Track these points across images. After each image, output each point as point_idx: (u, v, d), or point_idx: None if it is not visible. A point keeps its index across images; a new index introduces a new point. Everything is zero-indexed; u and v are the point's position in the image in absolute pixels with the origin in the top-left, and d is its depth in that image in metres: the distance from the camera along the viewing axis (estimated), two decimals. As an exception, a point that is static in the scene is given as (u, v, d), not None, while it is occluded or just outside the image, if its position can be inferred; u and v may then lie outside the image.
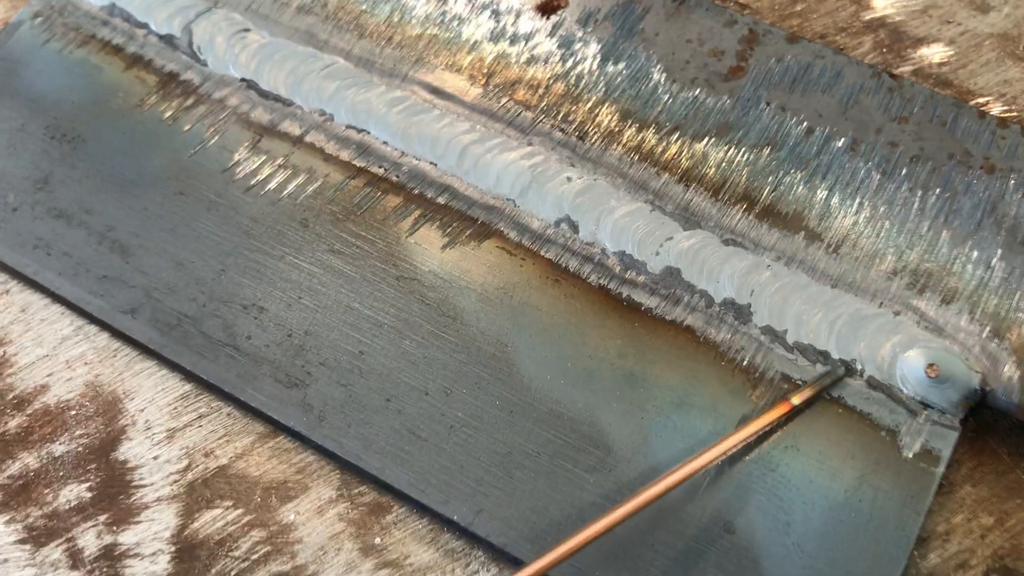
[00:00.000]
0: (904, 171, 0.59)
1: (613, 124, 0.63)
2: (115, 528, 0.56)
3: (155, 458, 0.58)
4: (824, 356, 0.56)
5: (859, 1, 0.69)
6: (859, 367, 0.55)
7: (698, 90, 0.63)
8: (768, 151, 0.61)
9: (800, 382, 0.56)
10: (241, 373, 0.58)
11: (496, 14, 0.66)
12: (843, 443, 0.54)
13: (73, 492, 0.57)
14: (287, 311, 0.59)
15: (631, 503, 0.50)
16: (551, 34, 0.66)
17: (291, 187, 0.63)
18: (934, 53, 0.66)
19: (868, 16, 0.68)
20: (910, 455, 0.53)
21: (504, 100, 0.64)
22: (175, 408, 0.59)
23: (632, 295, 0.58)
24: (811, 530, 0.52)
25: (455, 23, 0.67)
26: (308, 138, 0.65)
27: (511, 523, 0.53)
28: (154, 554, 0.55)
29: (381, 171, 0.63)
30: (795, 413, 0.56)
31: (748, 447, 0.55)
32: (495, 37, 0.66)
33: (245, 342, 0.59)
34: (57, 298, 0.62)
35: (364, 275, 0.60)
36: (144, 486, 0.57)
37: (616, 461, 0.54)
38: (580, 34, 0.65)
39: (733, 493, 0.53)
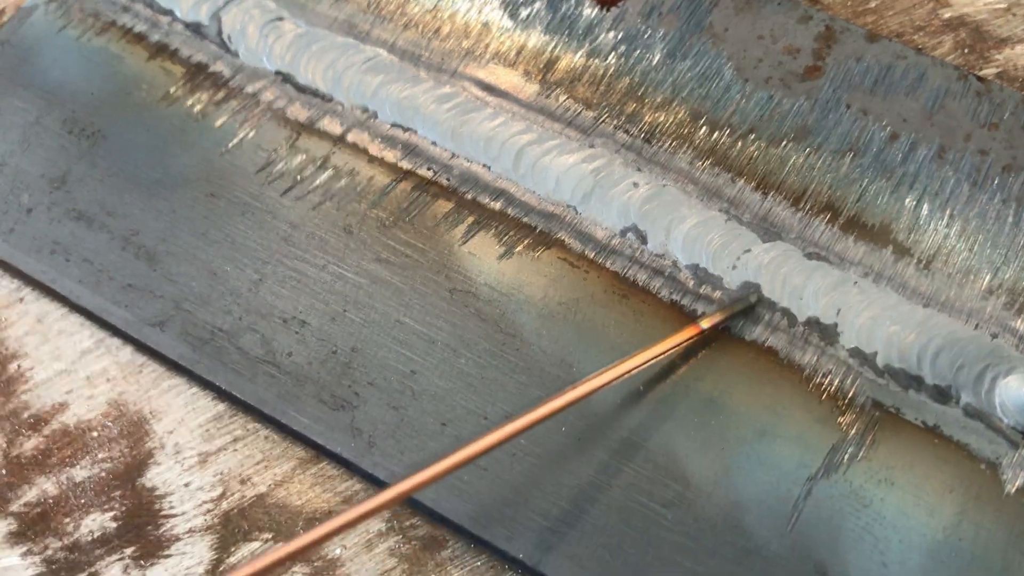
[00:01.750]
0: (996, 181, 0.54)
1: (682, 125, 0.58)
2: (143, 562, 0.50)
3: (186, 485, 0.52)
4: (917, 381, 0.50)
5: (937, -3, 0.64)
6: (954, 394, 0.50)
7: (773, 90, 0.58)
8: (851, 158, 0.56)
9: (893, 409, 0.50)
10: (282, 393, 0.52)
11: (553, 4, 0.61)
12: (940, 476, 0.49)
13: (96, 522, 0.52)
14: (331, 325, 0.53)
15: (516, 422, 0.48)
16: (612, 27, 0.60)
17: (333, 190, 0.58)
18: (1020, 55, 0.60)
19: (947, 14, 0.63)
20: (1012, 490, 0.48)
21: (563, 98, 0.59)
22: (207, 430, 0.53)
23: (708, 312, 0.53)
24: (909, 571, 0.47)
25: (508, 13, 0.61)
26: (350, 137, 0.59)
27: (582, 562, 0.48)
28: (186, 592, 0.49)
29: (430, 174, 0.57)
30: (703, 337, 0.54)
31: (836, 475, 0.51)
32: (552, 29, 0.60)
33: (286, 359, 0.53)
34: (76, 308, 0.56)
35: (414, 287, 0.54)
36: (174, 516, 0.51)
37: (695, 495, 0.49)
38: (643, 27, 0.60)
39: (823, 531, 0.48)
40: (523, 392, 0.52)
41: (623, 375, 0.48)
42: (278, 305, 0.55)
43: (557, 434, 0.51)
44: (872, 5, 0.65)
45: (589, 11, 0.62)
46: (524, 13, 0.62)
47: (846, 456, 0.50)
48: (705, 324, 0.54)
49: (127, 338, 0.56)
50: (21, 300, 0.58)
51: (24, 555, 0.52)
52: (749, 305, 0.55)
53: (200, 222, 0.57)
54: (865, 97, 0.58)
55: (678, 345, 0.53)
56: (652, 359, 0.50)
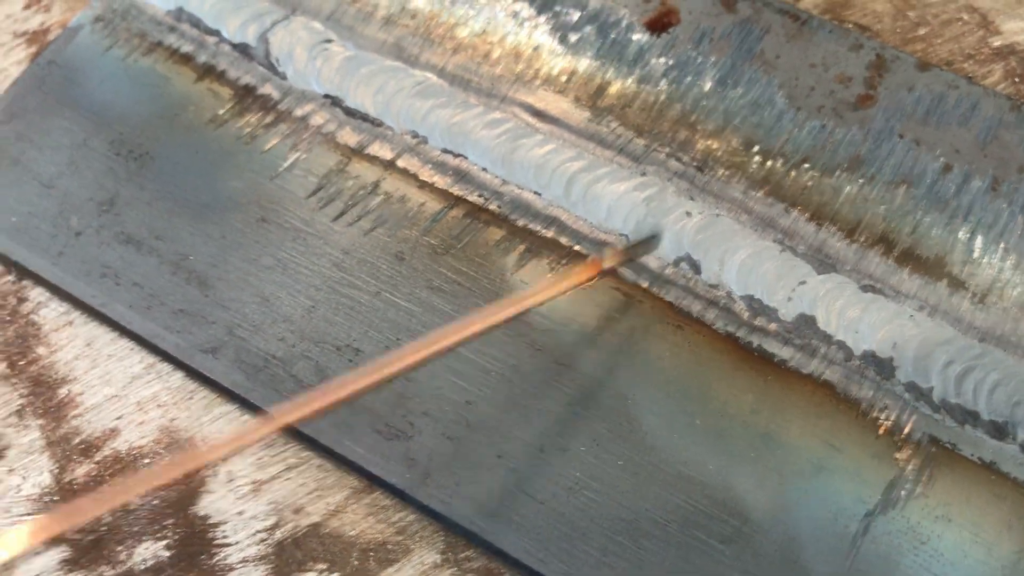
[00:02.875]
0: (1050, 213, 0.54)
1: (735, 154, 0.57)
2: (196, 592, 0.50)
3: (239, 513, 0.52)
4: (973, 417, 0.50)
5: (986, 26, 0.64)
6: (1011, 430, 0.50)
7: (825, 119, 0.58)
8: (904, 189, 0.55)
9: (950, 444, 0.50)
10: (336, 422, 0.52)
11: (603, 29, 0.61)
12: (998, 513, 0.49)
13: (149, 550, 0.51)
14: (384, 353, 0.53)
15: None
16: (663, 53, 0.60)
17: (384, 216, 0.57)
18: (1071, 85, 0.60)
19: (997, 42, 0.63)
20: (1070, 527, 0.48)
21: (613, 124, 0.59)
22: (260, 458, 0.53)
23: (763, 344, 0.53)
24: (967, 610, 0.46)
25: (558, 38, 0.61)
26: (400, 162, 0.59)
27: (640, 598, 0.48)
28: (241, 623, 0.49)
29: (481, 200, 0.57)
30: (604, 275, 0.55)
31: (894, 511, 0.52)
32: (601, 54, 0.60)
33: (339, 388, 0.52)
34: (127, 333, 0.55)
35: (466, 315, 0.54)
36: (228, 545, 0.51)
37: (754, 531, 0.49)
38: (694, 54, 0.60)
39: (881, 568, 0.49)
40: (579, 424, 0.52)
41: (517, 313, 0.51)
42: (331, 332, 0.55)
43: (614, 467, 0.51)
44: (921, 32, 0.64)
45: (639, 36, 0.61)
46: (574, 38, 0.62)
47: (903, 492, 0.50)
48: (607, 264, 0.54)
49: (178, 364, 0.55)
50: (70, 324, 0.58)
51: (78, 583, 0.51)
52: (650, 238, 0.56)
53: (251, 247, 0.57)
54: (918, 127, 0.58)
55: (580, 284, 0.53)
56: (555, 295, 0.52)
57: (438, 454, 0.52)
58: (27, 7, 0.68)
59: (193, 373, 0.56)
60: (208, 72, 0.63)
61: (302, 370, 0.54)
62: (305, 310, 0.55)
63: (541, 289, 0.50)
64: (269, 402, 0.54)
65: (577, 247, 0.57)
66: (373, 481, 0.53)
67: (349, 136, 0.61)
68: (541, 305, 0.51)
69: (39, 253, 0.58)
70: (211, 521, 0.53)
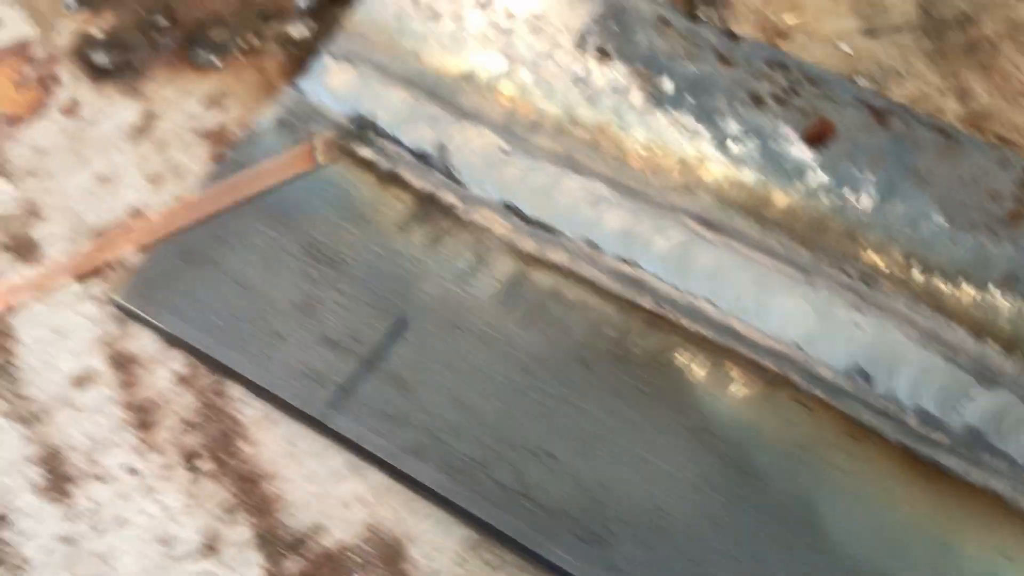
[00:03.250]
0: None
1: (897, 268, 0.62)
2: None
3: (444, 612, 0.56)
4: None
5: (1123, 138, 0.68)
6: None
7: (980, 235, 0.62)
8: (1059, 305, 0.59)
9: None
10: (537, 525, 0.56)
11: (764, 142, 0.65)
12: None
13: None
14: (579, 459, 0.58)
15: None
16: (822, 167, 0.64)
17: (566, 322, 0.62)
18: None
19: None
20: None
21: (781, 236, 0.63)
22: (462, 557, 0.58)
23: (934, 455, 0.57)
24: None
25: (722, 149, 0.65)
26: (578, 269, 0.63)
27: None
28: None
29: (657, 307, 0.62)
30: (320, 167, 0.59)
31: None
32: (763, 166, 0.65)
33: (538, 491, 0.57)
34: (331, 432, 0.60)
35: (654, 424, 0.58)
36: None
37: (934, 637, 0.53)
38: (852, 169, 0.64)
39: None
40: (769, 533, 0.56)
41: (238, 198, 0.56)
42: (526, 437, 0.59)
43: (800, 574, 0.56)
44: None
45: (799, 149, 0.65)
46: (736, 149, 0.66)
47: None
48: (321, 159, 0.61)
49: (380, 463, 0.59)
50: (270, 421, 0.62)
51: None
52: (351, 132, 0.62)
53: (445, 352, 0.61)
54: None
55: (296, 174, 0.59)
56: (272, 182, 0.58)
57: (636, 561, 0.56)
58: (205, 106, 0.72)
59: (393, 471, 0.60)
60: (391, 179, 0.68)
61: (502, 474, 0.58)
62: (499, 414, 0.60)
63: (262, 173, 0.56)
64: (472, 503, 0.58)
65: (754, 356, 0.61)
66: (574, 583, 0.57)
67: (527, 242, 0.65)
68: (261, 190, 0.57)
69: (241, 352, 0.63)
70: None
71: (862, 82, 0.70)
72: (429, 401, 0.59)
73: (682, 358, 0.60)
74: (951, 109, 0.69)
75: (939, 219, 0.63)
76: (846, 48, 0.71)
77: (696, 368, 0.60)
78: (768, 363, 0.60)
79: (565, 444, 0.58)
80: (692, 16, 0.70)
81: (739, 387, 0.59)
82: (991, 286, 0.61)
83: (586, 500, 0.56)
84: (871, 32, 0.72)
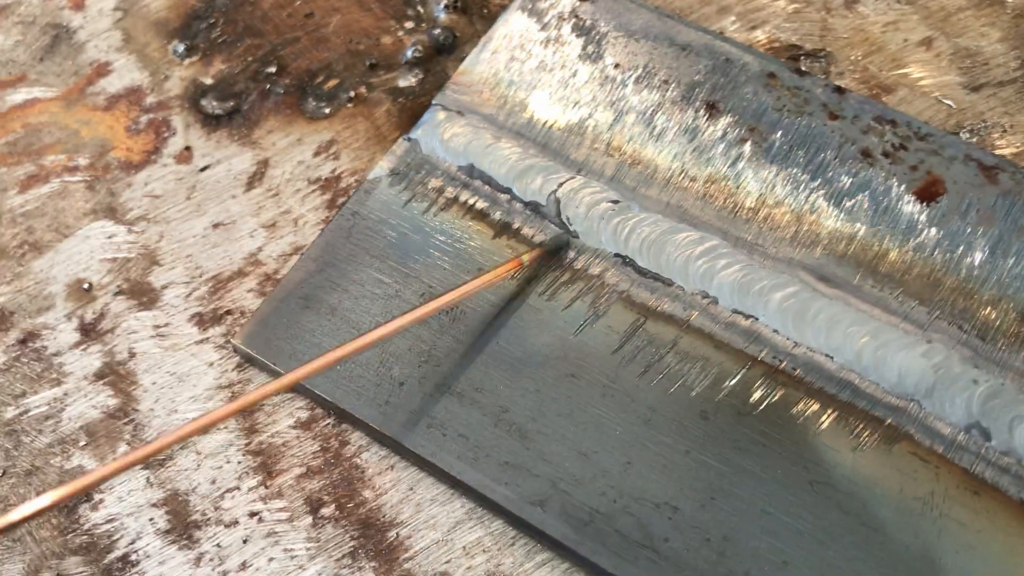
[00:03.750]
0: None
1: (1012, 324, 0.62)
2: None
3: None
4: None
5: None
6: None
7: (1093, 292, 0.62)
8: None
9: None
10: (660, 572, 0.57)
11: (875, 197, 0.66)
12: None
13: None
14: (701, 512, 0.58)
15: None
16: (933, 222, 0.65)
17: (685, 374, 0.62)
18: None
19: None
20: None
21: (896, 290, 0.63)
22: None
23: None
24: None
25: (834, 204, 0.66)
26: (694, 322, 0.64)
27: None
28: None
29: (775, 361, 0.63)
30: (524, 268, 0.67)
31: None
32: (876, 222, 0.65)
33: (663, 544, 0.58)
34: (453, 480, 0.61)
35: (776, 477, 0.59)
36: None
37: None
38: (963, 224, 0.65)
39: None
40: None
41: (460, 298, 0.63)
42: (649, 489, 0.60)
43: None
44: None
45: (909, 206, 0.66)
46: (848, 204, 0.67)
47: None
48: (525, 259, 0.67)
49: (502, 511, 0.60)
50: (391, 467, 0.63)
51: None
52: (564, 243, 0.69)
53: (564, 402, 0.62)
54: None
55: (502, 276, 0.66)
56: (481, 286, 0.64)
57: None
58: (317, 154, 0.73)
59: (514, 520, 0.61)
60: (504, 228, 0.69)
61: (625, 526, 0.59)
62: (622, 466, 0.61)
63: (469, 283, 0.63)
64: (597, 554, 0.59)
65: (873, 411, 0.61)
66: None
67: (643, 294, 0.66)
68: (468, 295, 0.64)
69: (365, 402, 0.64)
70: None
71: (966, 136, 0.71)
72: (550, 451, 0.60)
73: (801, 411, 0.61)
74: (1055, 164, 0.70)
75: (1053, 276, 0.63)
76: (949, 102, 0.72)
77: (816, 421, 0.61)
78: (887, 417, 0.60)
79: (688, 497, 0.59)
80: (798, 70, 0.70)
81: (859, 441, 0.60)
82: (1106, 344, 0.61)
83: (711, 553, 0.57)
84: (973, 86, 0.73)
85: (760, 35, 0.76)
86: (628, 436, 0.61)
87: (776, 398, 0.62)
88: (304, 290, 0.67)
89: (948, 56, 0.74)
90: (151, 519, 0.62)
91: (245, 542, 0.61)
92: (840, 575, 0.57)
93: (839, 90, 0.70)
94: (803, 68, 0.74)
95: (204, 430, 0.53)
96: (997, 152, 0.71)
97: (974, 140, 0.71)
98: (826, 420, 0.61)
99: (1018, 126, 0.71)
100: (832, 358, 0.62)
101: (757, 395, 0.62)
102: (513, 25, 0.74)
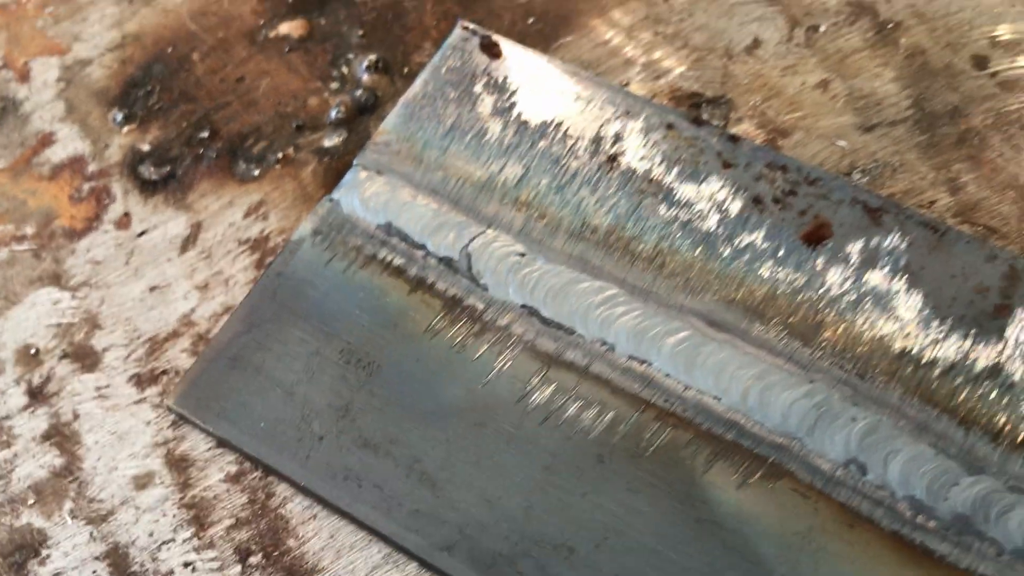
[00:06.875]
0: None
1: (890, 363, 0.67)
2: None
3: None
4: (1113, 605, 0.59)
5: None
6: None
7: (967, 328, 0.67)
8: (1042, 395, 0.64)
9: None
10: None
11: (762, 242, 0.70)
12: None
13: None
14: (595, 552, 0.64)
15: None
16: (819, 267, 0.70)
17: (583, 420, 0.68)
18: None
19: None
20: None
21: (782, 334, 0.68)
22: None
23: (925, 541, 0.63)
24: None
25: (723, 254, 0.71)
26: (593, 368, 0.69)
27: None
28: None
29: (667, 405, 0.67)
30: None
31: None
32: (763, 267, 0.70)
33: (559, 583, 0.63)
34: (366, 526, 0.66)
35: (664, 516, 0.64)
36: None
37: None
38: (847, 270, 0.70)
39: None
40: (771, 618, 0.61)
41: None
42: (547, 532, 0.65)
43: None
44: None
45: (796, 250, 0.71)
46: (738, 251, 0.72)
47: None
48: None
49: (415, 556, 0.66)
50: (314, 517, 0.68)
51: None
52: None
53: (472, 451, 0.68)
54: None
55: None
56: None
57: None
58: (247, 215, 0.79)
59: (426, 564, 0.66)
60: (419, 284, 0.74)
61: (526, 567, 0.64)
62: (523, 510, 0.66)
63: None
64: (500, 596, 0.64)
65: (757, 450, 0.67)
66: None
67: (546, 344, 0.71)
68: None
69: (287, 456, 0.69)
70: None
71: (858, 177, 0.75)
72: (458, 498, 0.66)
73: (690, 452, 0.66)
74: (942, 201, 0.75)
75: (929, 315, 0.68)
76: (843, 144, 0.77)
77: (703, 461, 0.66)
78: (771, 456, 0.65)
79: (583, 537, 0.64)
80: (696, 119, 0.75)
81: (743, 479, 0.65)
82: (978, 378, 0.66)
83: (598, 593, 0.62)
84: (867, 127, 0.78)
85: (664, 84, 0.80)
86: (529, 482, 0.66)
87: (666, 440, 0.67)
88: (231, 351, 0.72)
89: (843, 97, 0.79)
90: (94, 571, 0.68)
91: (180, 591, 0.66)
92: (723, 606, 0.62)
93: (733, 138, 0.75)
94: (704, 116, 0.78)
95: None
96: (887, 190, 0.75)
97: (866, 180, 0.76)
98: (713, 460, 0.66)
99: (908, 164, 0.76)
100: (720, 400, 0.67)
101: (648, 437, 0.67)
102: (429, 84, 0.80)
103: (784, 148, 0.76)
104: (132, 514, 0.69)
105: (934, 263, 0.69)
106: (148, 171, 0.80)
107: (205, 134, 0.81)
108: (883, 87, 0.79)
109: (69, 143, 0.83)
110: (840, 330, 0.68)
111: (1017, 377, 0.66)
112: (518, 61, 0.80)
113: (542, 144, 0.76)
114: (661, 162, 0.74)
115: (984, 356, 0.66)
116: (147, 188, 0.80)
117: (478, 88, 0.79)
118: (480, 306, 0.72)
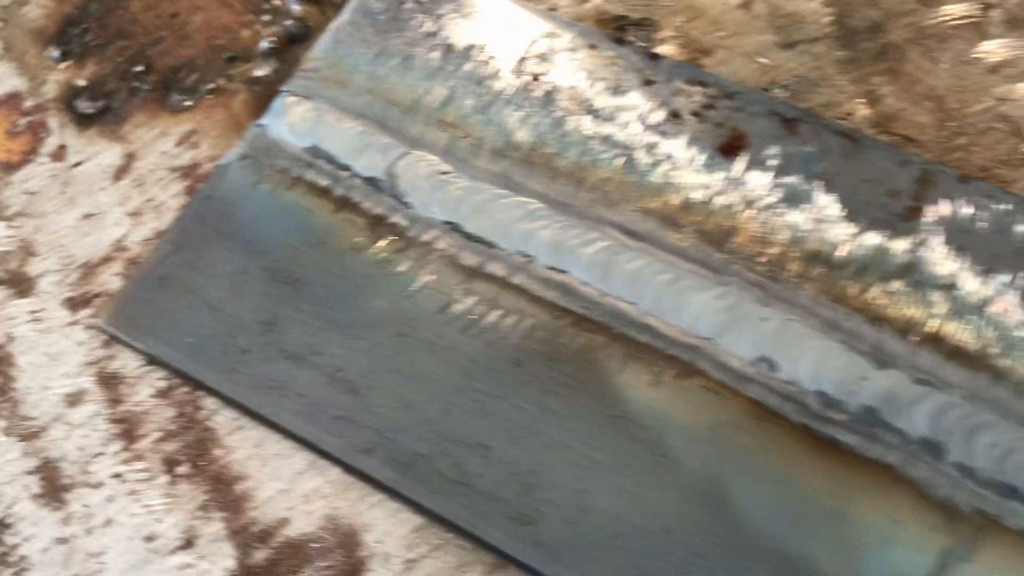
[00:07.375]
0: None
1: (801, 265, 0.68)
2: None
3: (397, 588, 0.63)
4: (1013, 491, 0.61)
5: (1018, 134, 0.74)
6: (1047, 502, 0.60)
7: (879, 230, 0.68)
8: (949, 293, 0.66)
9: (995, 516, 0.61)
10: (475, 511, 0.64)
11: (679, 154, 0.72)
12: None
13: (322, 624, 0.63)
14: (511, 449, 0.65)
15: None
16: (734, 176, 0.71)
17: (502, 328, 0.69)
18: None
19: (1026, 148, 0.73)
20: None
21: (694, 240, 0.70)
22: (410, 540, 0.65)
23: (833, 434, 0.64)
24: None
25: (641, 166, 0.72)
26: (514, 280, 0.71)
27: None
28: None
29: (584, 311, 0.69)
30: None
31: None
32: (679, 178, 0.71)
33: (476, 480, 0.65)
34: (290, 434, 0.68)
35: (578, 414, 0.66)
36: (391, 616, 0.63)
37: (831, 597, 0.60)
38: (762, 177, 0.71)
39: (941, 625, 0.58)
40: (680, 508, 0.63)
41: None
42: (465, 432, 0.67)
43: (712, 546, 0.64)
44: (960, 142, 0.75)
45: (713, 160, 0.73)
46: (655, 162, 0.73)
47: (955, 559, 0.61)
48: None
49: (337, 461, 0.68)
50: (241, 428, 0.70)
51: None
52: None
53: (394, 359, 0.69)
54: (961, 236, 0.69)
55: None
56: None
57: (562, 537, 0.64)
58: (179, 144, 0.80)
59: (349, 468, 0.68)
60: (344, 204, 0.76)
61: (443, 466, 0.66)
62: (441, 413, 0.68)
63: None
64: (418, 493, 0.66)
65: (670, 351, 0.68)
66: (506, 559, 0.65)
67: (469, 257, 0.73)
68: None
69: (214, 369, 0.71)
70: (375, 595, 0.65)
71: (778, 92, 0.77)
72: (378, 404, 0.67)
73: (605, 355, 0.67)
74: (860, 112, 0.76)
75: (842, 219, 0.70)
76: (764, 60, 0.78)
77: (617, 363, 0.67)
78: (683, 355, 0.67)
79: (499, 437, 0.66)
80: (618, 40, 0.77)
81: (656, 378, 0.67)
82: (889, 277, 0.67)
83: (518, 485, 0.64)
84: (787, 44, 0.79)
85: (590, 8, 0.82)
86: (448, 386, 0.68)
87: (582, 344, 0.68)
88: (160, 271, 0.74)
89: (765, 16, 0.80)
90: (25, 485, 0.69)
91: (109, 501, 0.68)
92: (633, 499, 0.64)
93: (654, 56, 0.77)
94: (628, 37, 0.80)
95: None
96: (807, 104, 0.77)
97: (786, 95, 0.77)
98: (627, 362, 0.68)
99: (827, 78, 0.77)
100: (635, 304, 0.69)
101: (565, 342, 0.68)
102: (357, 11, 0.81)
103: (706, 67, 0.78)
104: (64, 430, 0.70)
105: (848, 169, 0.71)
106: (84, 105, 0.82)
107: (140, 68, 0.83)
108: (805, 5, 0.81)
109: (6, 80, 0.84)
110: (752, 235, 0.70)
111: (926, 274, 0.67)
112: (444, -12, 0.81)
113: (467, 66, 0.78)
114: (583, 80, 0.75)
115: (894, 256, 0.68)
116: (83, 121, 0.81)
117: (405, 14, 0.81)
118: (404, 223, 0.74)
